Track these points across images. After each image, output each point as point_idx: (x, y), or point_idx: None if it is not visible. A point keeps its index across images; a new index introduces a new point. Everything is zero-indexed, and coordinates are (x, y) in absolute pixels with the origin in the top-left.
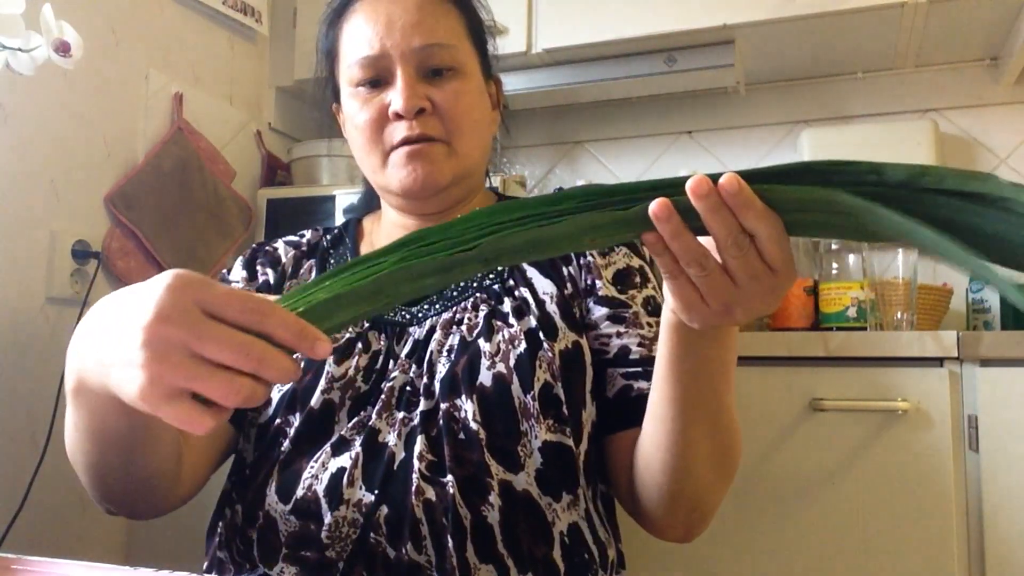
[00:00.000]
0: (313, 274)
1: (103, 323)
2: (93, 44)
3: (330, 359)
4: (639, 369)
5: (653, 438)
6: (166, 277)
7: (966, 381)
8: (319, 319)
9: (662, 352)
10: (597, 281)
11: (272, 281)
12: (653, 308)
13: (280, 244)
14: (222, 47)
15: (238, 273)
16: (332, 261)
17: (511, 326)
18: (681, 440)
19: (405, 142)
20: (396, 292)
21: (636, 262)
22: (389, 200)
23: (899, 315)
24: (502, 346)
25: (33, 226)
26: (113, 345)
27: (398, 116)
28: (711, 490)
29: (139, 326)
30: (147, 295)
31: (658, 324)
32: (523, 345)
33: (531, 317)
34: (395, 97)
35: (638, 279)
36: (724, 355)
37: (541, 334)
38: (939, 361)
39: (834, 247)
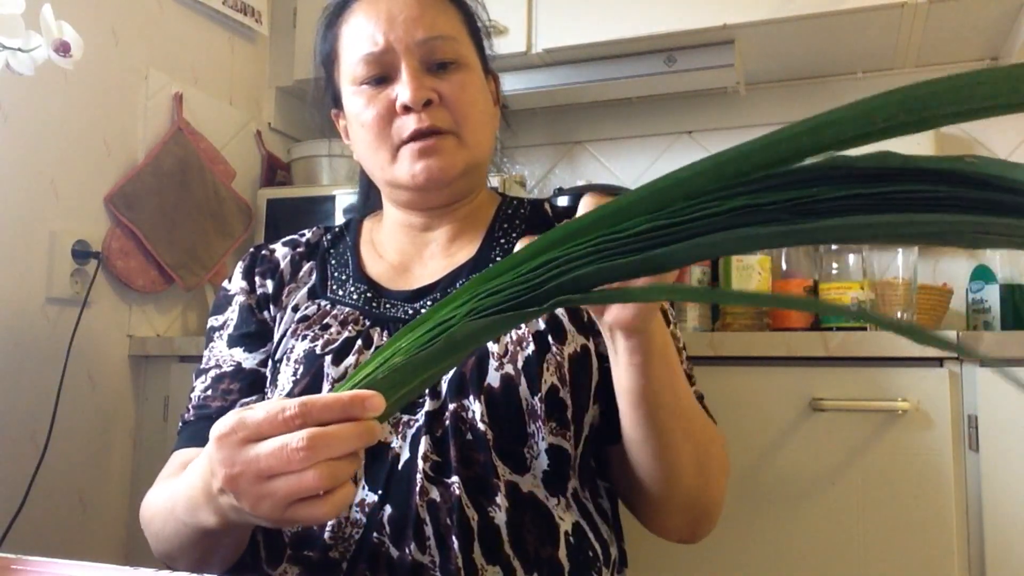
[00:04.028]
0: (313, 276)
1: (205, 481)
2: (93, 44)
3: (328, 359)
4: None
5: (638, 457)
6: (212, 433)
7: (966, 381)
8: (392, 385)
9: (618, 383)
10: None
11: (270, 291)
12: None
13: (279, 247)
14: (222, 47)
15: (237, 283)
16: (332, 261)
17: (519, 327)
18: (664, 450)
19: (416, 135)
20: (468, 345)
21: None
22: (396, 196)
23: (899, 315)
24: (510, 347)
25: (33, 226)
26: (233, 503)
27: (406, 109)
28: (704, 490)
29: (224, 485)
30: (212, 459)
31: (664, 333)
32: (531, 347)
33: (539, 319)
34: (402, 90)
35: None
36: (665, 351)
37: (550, 337)
38: (939, 361)
39: (834, 247)
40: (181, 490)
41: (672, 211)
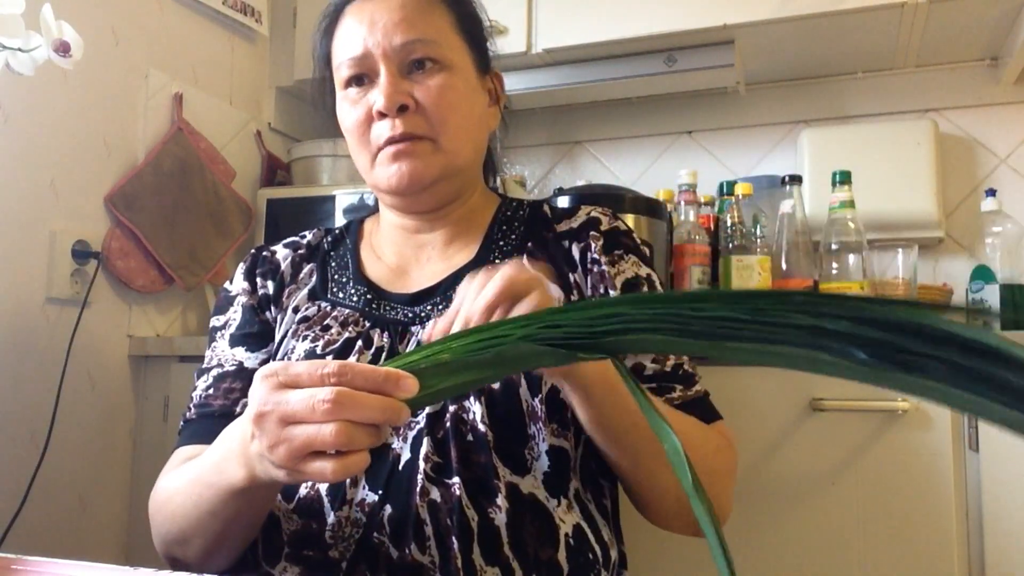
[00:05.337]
0: (313, 277)
1: (243, 430)
2: (93, 44)
3: (328, 360)
4: (653, 384)
5: (628, 479)
6: (258, 374)
7: None
8: (432, 377)
9: (585, 420)
10: (611, 291)
11: (271, 292)
12: None
13: (279, 249)
14: (222, 47)
15: (239, 284)
16: (333, 263)
17: None
18: (641, 469)
19: (390, 142)
20: (513, 365)
21: (644, 271)
22: (383, 199)
23: None
24: None
25: (33, 226)
26: (256, 445)
27: (381, 115)
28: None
29: (253, 421)
30: (251, 396)
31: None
32: None
33: None
34: (377, 96)
35: (646, 289)
36: (605, 381)
37: None
38: None
39: (834, 247)
40: (210, 454)
41: (746, 309)
